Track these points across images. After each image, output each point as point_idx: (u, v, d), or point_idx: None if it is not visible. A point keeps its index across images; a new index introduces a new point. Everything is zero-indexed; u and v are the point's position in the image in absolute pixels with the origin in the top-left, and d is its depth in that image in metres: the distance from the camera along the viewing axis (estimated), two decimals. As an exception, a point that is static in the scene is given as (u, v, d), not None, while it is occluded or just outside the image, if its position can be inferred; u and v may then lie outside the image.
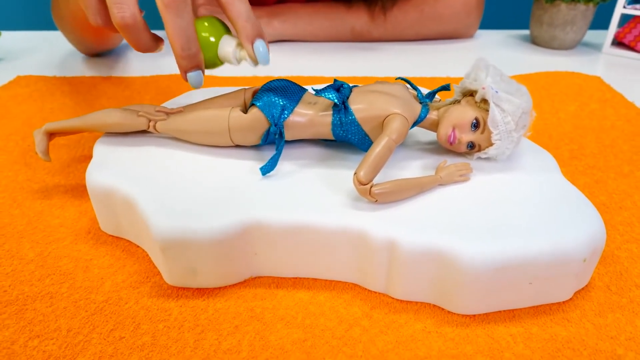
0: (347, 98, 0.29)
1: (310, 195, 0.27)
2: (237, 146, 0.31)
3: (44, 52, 0.65)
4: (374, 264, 0.25)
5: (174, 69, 0.57)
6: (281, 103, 0.29)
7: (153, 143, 0.32)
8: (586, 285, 0.27)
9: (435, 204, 0.26)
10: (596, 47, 0.69)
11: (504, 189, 0.27)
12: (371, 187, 0.25)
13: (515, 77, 0.57)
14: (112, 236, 0.30)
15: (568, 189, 0.28)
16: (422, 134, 0.33)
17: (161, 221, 0.25)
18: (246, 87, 0.33)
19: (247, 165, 0.29)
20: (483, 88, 0.28)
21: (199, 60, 0.29)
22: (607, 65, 0.63)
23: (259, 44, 0.29)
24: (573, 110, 0.49)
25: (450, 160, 0.30)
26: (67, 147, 0.40)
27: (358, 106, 0.28)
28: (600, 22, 0.71)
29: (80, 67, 0.59)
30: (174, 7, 0.27)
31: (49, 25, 0.79)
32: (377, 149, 0.26)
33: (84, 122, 0.32)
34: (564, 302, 0.25)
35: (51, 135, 0.32)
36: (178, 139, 0.32)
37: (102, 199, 0.29)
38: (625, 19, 0.68)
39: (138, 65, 0.59)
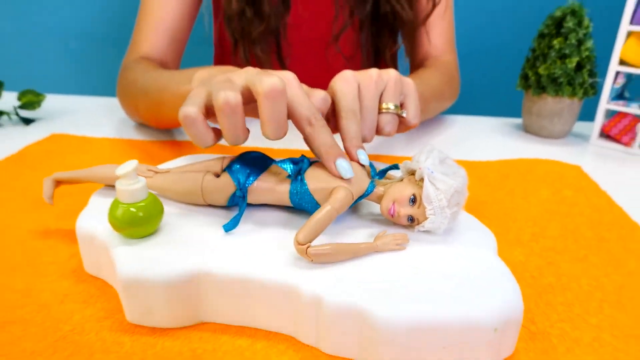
0: (305, 171, 0.34)
1: (258, 252, 0.30)
2: (209, 205, 0.35)
3: (80, 114, 0.74)
4: (305, 319, 0.28)
5: (173, 136, 0.63)
6: (248, 171, 0.34)
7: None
8: (510, 357, 0.28)
9: (366, 268, 0.29)
10: (584, 138, 0.72)
11: (434, 261, 0.30)
12: (307, 247, 0.29)
13: (497, 162, 0.60)
14: (92, 276, 0.35)
15: (496, 266, 0.30)
16: (375, 206, 0.37)
17: (125, 264, 0.29)
18: (225, 156, 0.38)
19: (214, 222, 0.34)
20: (419, 168, 0.31)
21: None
22: (593, 155, 0.65)
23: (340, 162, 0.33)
24: (545, 195, 0.51)
25: (394, 232, 0.33)
26: (76, 195, 0.46)
27: (312, 178, 0.33)
28: (590, 114, 0.75)
29: (108, 130, 0.67)
30: (271, 97, 0.30)
31: (86, 91, 0.90)
32: (318, 215, 0.30)
33: (87, 174, 0.37)
34: (481, 370, 0.27)
35: (58, 183, 0.38)
36: (161, 195, 0.36)
37: (87, 242, 0.33)
38: (614, 112, 0.71)
39: (155, 131, 0.66)
